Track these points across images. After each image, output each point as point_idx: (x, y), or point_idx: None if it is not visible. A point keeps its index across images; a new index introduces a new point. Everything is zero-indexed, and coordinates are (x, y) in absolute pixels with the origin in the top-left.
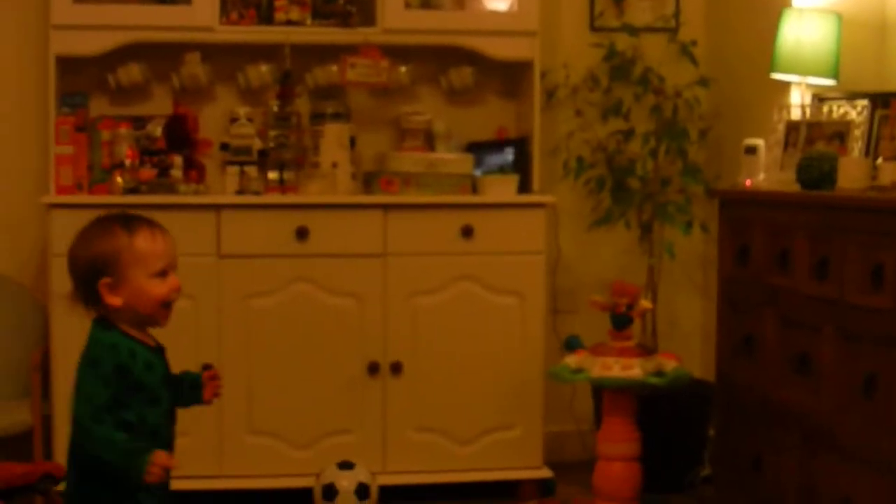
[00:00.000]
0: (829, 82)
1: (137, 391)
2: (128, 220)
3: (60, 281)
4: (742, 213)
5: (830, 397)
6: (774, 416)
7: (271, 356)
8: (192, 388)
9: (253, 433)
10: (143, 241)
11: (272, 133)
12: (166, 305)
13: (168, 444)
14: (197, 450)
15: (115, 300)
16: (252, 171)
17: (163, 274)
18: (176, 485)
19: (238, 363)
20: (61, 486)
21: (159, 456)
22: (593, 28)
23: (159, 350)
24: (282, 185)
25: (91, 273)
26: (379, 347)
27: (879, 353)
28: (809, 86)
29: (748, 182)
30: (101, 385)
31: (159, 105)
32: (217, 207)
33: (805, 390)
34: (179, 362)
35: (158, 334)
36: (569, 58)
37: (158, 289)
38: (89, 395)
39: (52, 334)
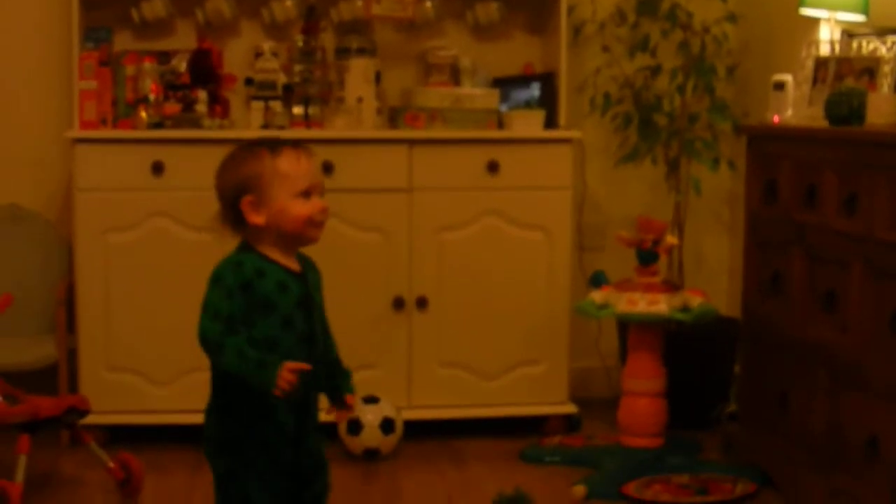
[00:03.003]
0: (859, 18)
1: (266, 311)
2: (273, 143)
3: (85, 215)
4: (770, 149)
5: (858, 334)
6: (801, 353)
7: None
8: (333, 386)
9: None
10: (286, 161)
11: (297, 68)
12: (313, 224)
13: (301, 378)
14: None
15: (257, 218)
16: (277, 106)
17: (306, 194)
18: (200, 419)
19: None
20: (86, 419)
21: (287, 366)
22: None
23: (301, 276)
24: (307, 121)
25: (236, 193)
26: (404, 282)
27: None
28: (838, 21)
29: (776, 118)
30: (226, 298)
31: (183, 40)
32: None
33: (832, 327)
34: (202, 296)
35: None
36: None
37: (301, 208)
38: (216, 308)
39: (76, 269)
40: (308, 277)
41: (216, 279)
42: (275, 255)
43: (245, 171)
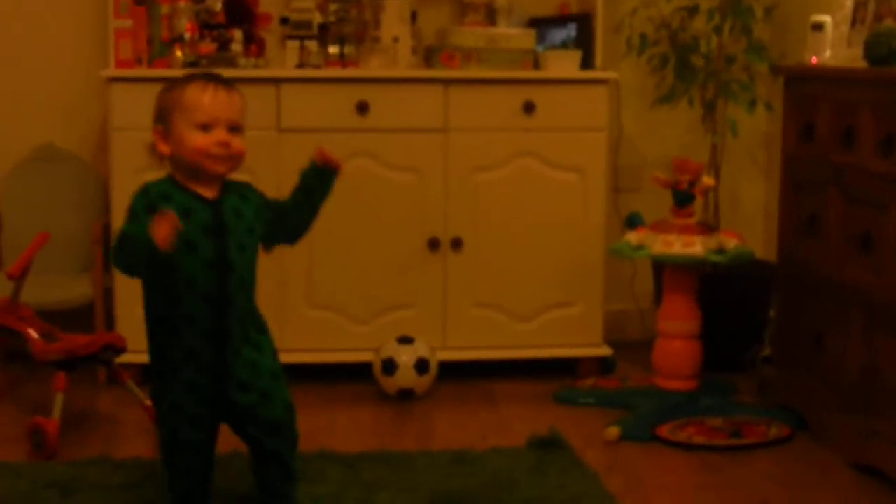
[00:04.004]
0: None
1: None
2: (193, 76)
3: (120, 154)
4: (807, 90)
5: (894, 276)
6: (837, 295)
7: (332, 230)
8: (316, 176)
9: (314, 307)
10: (191, 92)
11: (332, 7)
12: (209, 156)
13: (211, 298)
14: None
15: (164, 147)
16: (312, 45)
17: (205, 127)
18: None
19: (317, 237)
20: (123, 358)
21: (157, 217)
22: None
23: (215, 203)
24: (342, 60)
25: (153, 121)
26: (439, 223)
27: None
28: None
29: (814, 59)
30: (127, 220)
31: None
32: (277, 81)
33: (869, 269)
34: None
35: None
36: None
37: (197, 139)
38: (121, 230)
39: (112, 208)
40: (226, 204)
41: (130, 206)
42: (187, 182)
43: (160, 101)
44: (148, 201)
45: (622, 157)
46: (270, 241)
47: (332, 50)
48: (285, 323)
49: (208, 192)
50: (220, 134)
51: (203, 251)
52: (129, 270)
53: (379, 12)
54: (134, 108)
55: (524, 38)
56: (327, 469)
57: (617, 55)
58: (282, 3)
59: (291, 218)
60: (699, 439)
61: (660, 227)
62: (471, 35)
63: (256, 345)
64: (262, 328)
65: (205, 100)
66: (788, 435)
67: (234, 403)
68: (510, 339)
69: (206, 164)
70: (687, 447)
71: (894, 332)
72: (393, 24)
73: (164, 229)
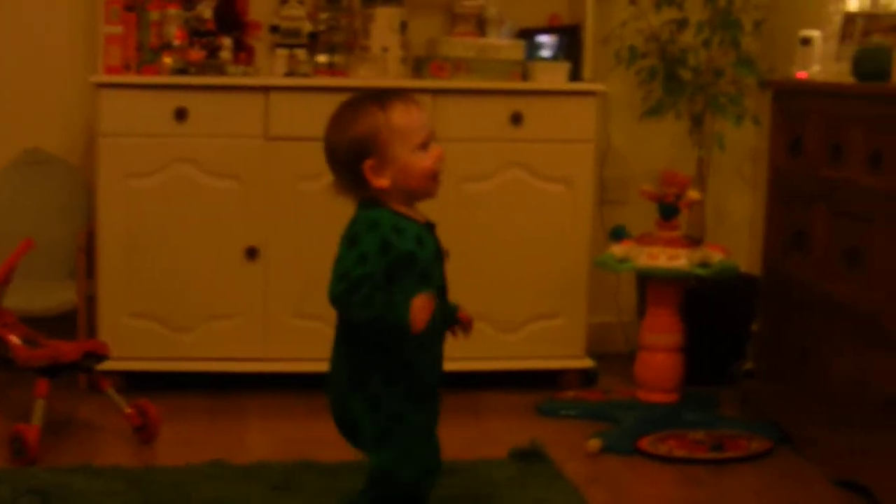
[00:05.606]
0: None
1: (409, 266)
2: (380, 97)
3: (107, 160)
4: (796, 104)
5: (882, 291)
6: (823, 309)
7: (321, 238)
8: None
9: (300, 317)
10: (399, 116)
11: (322, 16)
12: (434, 176)
13: (440, 321)
14: (242, 332)
15: (381, 181)
16: (301, 53)
17: (424, 146)
18: (220, 366)
19: (286, 245)
20: (105, 365)
21: (418, 299)
22: None
23: (429, 226)
24: (331, 69)
25: (353, 157)
26: None
27: None
28: None
29: (802, 74)
30: (357, 261)
31: None
32: (266, 89)
33: (856, 284)
34: (225, 243)
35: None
36: None
37: (424, 161)
38: (346, 270)
39: (98, 214)
40: (433, 228)
41: (350, 241)
42: (404, 210)
43: (358, 132)
44: (381, 238)
45: (609, 169)
46: None
47: (322, 59)
48: (270, 332)
49: (422, 218)
50: (437, 149)
51: (436, 279)
52: (358, 323)
53: (369, 22)
54: (122, 113)
55: (513, 49)
56: (306, 479)
57: (606, 67)
58: (272, 11)
59: None
60: (680, 452)
61: (645, 240)
62: (460, 45)
63: None
64: None
65: (414, 118)
66: (770, 449)
67: None
68: (494, 350)
69: (431, 186)
70: (668, 460)
71: (881, 347)
72: (383, 34)
73: (424, 315)
